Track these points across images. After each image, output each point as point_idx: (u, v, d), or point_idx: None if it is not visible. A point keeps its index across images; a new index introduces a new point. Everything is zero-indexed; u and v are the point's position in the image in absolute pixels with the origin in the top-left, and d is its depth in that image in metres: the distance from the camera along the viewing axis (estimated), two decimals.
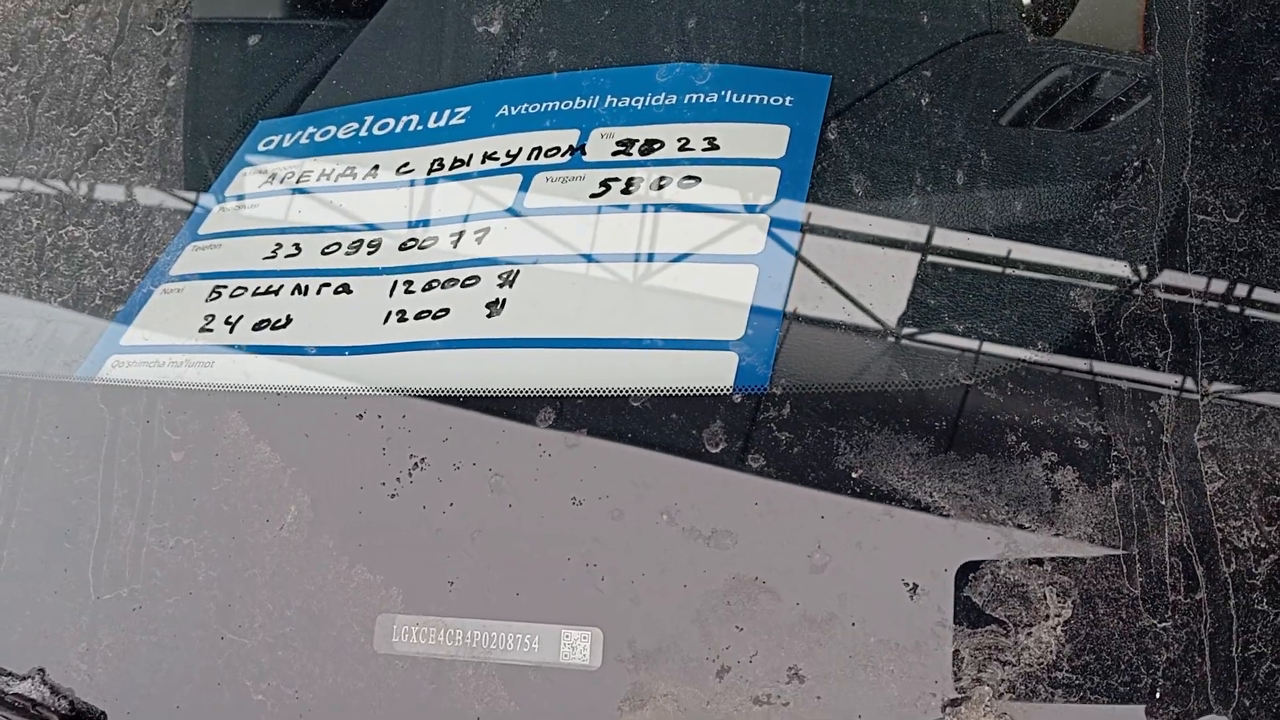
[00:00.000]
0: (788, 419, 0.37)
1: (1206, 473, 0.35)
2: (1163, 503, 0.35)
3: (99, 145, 0.53)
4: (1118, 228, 0.40)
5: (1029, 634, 0.35)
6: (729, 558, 0.37)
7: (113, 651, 0.41)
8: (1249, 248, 0.38)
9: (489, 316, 0.42)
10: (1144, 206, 0.40)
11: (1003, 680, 0.34)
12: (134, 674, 0.41)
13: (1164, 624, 0.34)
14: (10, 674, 0.41)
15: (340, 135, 0.51)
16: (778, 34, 0.47)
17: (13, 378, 0.47)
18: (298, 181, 0.50)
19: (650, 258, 0.42)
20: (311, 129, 0.52)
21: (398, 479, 0.40)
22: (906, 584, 0.35)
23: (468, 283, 0.43)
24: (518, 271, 0.43)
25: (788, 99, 0.46)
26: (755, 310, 0.40)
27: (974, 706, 0.34)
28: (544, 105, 0.48)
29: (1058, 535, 0.35)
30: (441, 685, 0.38)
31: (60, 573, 0.43)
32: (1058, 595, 0.35)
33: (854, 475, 0.37)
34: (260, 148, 0.53)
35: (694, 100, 0.47)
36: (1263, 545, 0.35)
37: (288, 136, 0.52)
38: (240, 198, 0.50)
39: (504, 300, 0.42)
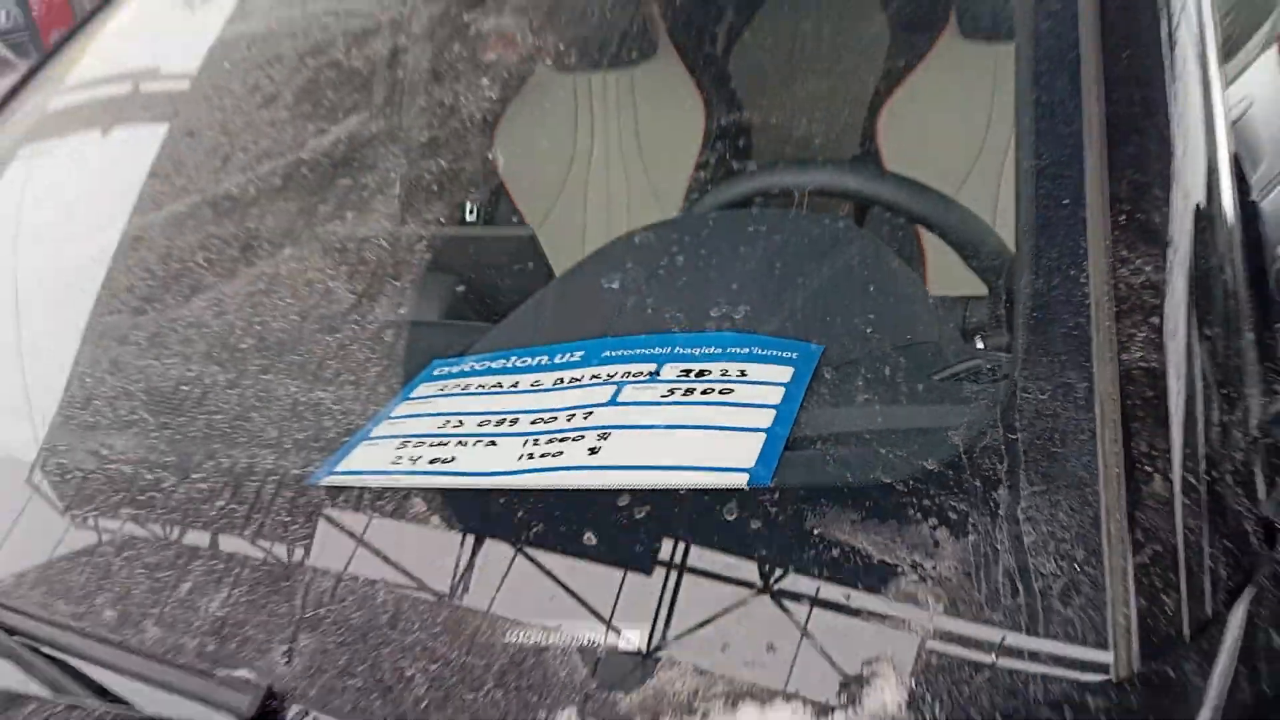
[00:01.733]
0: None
1: None
2: None
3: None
4: None
5: None
6: None
7: None
8: None
9: (590, 455, 0.64)
10: None
11: None
12: None
13: None
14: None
15: (492, 365, 0.77)
16: (788, 311, 0.74)
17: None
18: (463, 389, 0.75)
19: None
20: (473, 364, 0.78)
21: None
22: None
23: (576, 439, 0.66)
24: (610, 433, 0.66)
25: (794, 354, 0.71)
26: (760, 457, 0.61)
27: None
28: (634, 350, 0.74)
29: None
30: None
31: None
32: None
33: None
34: (435, 374, 0.78)
35: (732, 351, 0.72)
36: None
37: (455, 368, 0.78)
38: (424, 398, 0.75)
39: (599, 448, 0.64)
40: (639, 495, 0.60)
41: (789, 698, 0.49)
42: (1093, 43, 0.67)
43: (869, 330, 0.72)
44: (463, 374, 0.77)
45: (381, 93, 1.38)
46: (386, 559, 0.61)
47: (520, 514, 0.61)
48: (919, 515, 0.54)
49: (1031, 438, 0.55)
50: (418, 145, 1.30)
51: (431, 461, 0.67)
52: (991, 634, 0.48)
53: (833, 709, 0.48)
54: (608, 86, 1.71)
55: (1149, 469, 0.52)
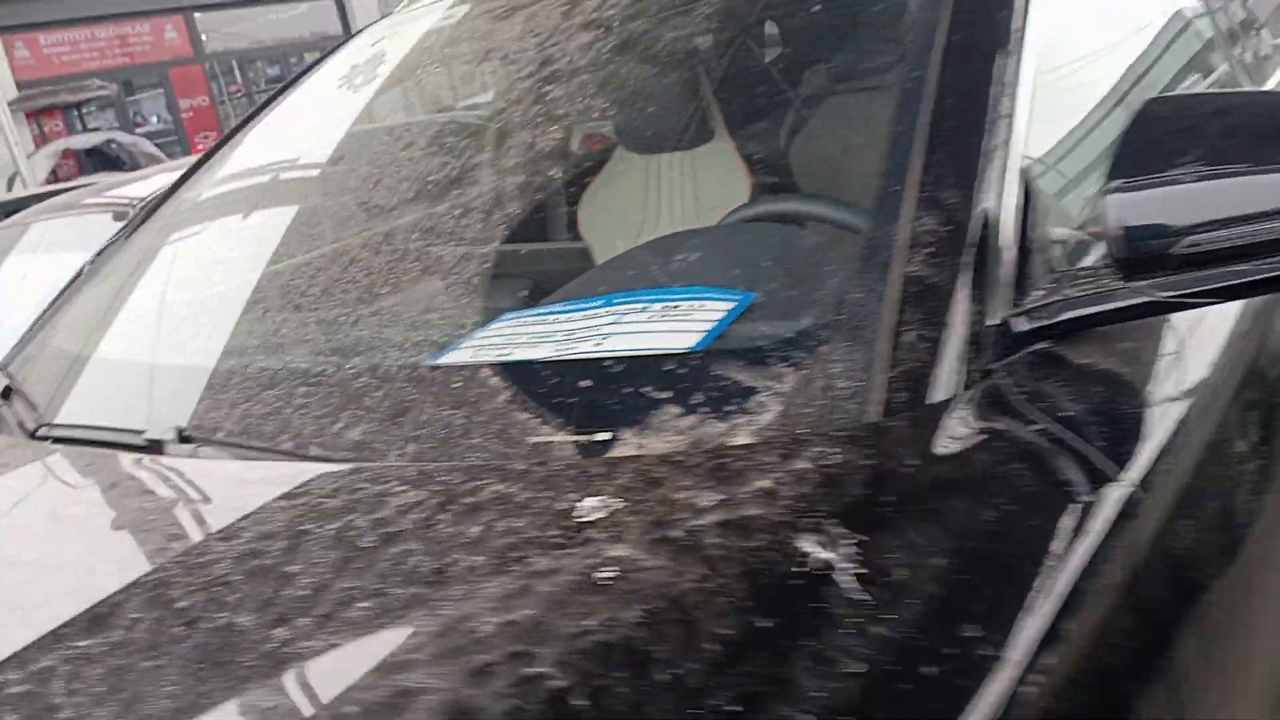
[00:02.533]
0: None
1: None
2: None
3: None
4: None
5: None
6: None
7: None
8: None
9: (595, 345, 1.01)
10: None
11: None
12: None
13: None
14: None
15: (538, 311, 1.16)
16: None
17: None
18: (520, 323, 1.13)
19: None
20: (528, 313, 1.17)
21: None
22: None
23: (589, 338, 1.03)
24: (609, 336, 1.03)
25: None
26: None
27: None
28: (633, 298, 1.11)
29: None
30: None
31: None
32: None
33: None
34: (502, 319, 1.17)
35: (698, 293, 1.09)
36: None
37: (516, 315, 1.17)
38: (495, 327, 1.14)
39: (602, 342, 1.01)
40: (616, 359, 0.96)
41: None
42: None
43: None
44: (520, 317, 1.16)
45: (488, 171, 1.81)
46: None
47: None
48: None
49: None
50: (515, 209, 1.73)
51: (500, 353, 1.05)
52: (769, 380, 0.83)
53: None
54: (673, 165, 2.12)
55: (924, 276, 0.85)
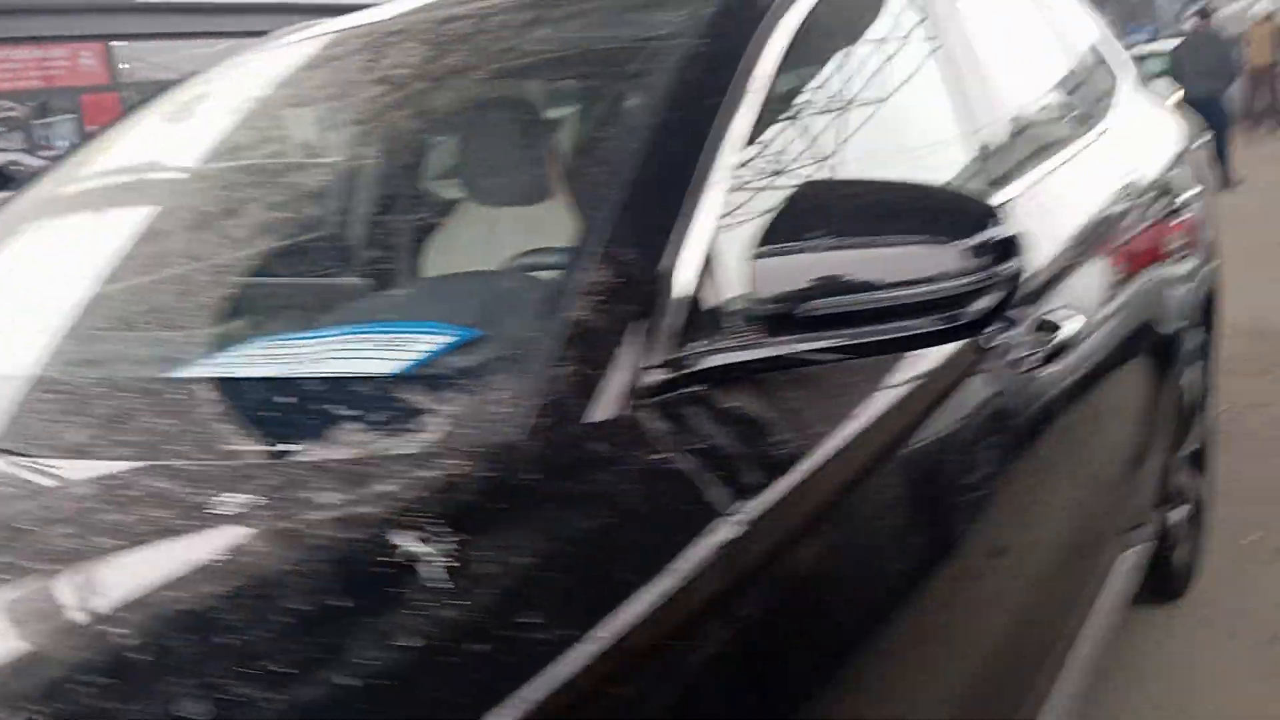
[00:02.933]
0: None
1: None
2: None
3: None
4: None
5: None
6: None
7: None
8: None
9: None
10: None
11: None
12: None
13: None
14: None
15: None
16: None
17: None
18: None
19: None
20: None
21: None
22: None
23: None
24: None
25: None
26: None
27: None
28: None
29: None
30: None
31: None
32: None
33: None
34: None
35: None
36: None
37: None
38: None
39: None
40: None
41: None
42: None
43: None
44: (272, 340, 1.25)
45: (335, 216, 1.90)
46: None
47: None
48: None
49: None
50: (362, 250, 1.82)
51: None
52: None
53: None
54: (516, 218, 2.24)
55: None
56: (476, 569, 0.77)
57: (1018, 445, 1.48)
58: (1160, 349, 2.30)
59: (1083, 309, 1.77)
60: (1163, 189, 2.46)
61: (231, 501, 0.83)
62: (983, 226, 1.00)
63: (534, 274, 1.38)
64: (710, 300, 1.08)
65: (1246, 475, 3.45)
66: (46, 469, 0.96)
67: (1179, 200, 2.52)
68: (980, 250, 0.98)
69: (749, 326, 1.03)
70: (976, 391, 1.39)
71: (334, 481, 0.86)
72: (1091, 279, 1.90)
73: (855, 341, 1.00)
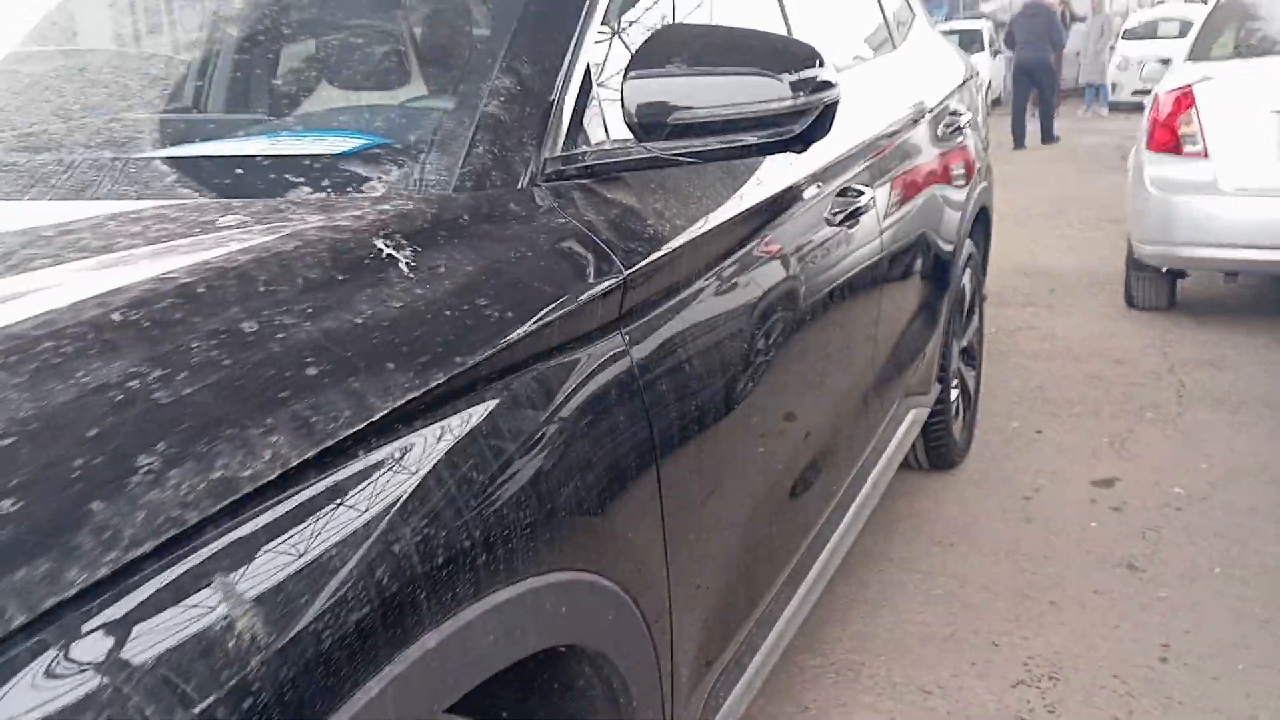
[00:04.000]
0: None
1: None
2: None
3: None
4: None
5: None
6: None
7: None
8: None
9: None
10: None
11: None
12: None
13: None
14: None
15: None
16: None
17: None
18: None
19: None
20: None
21: None
22: None
23: None
24: None
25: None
26: None
27: None
28: None
29: None
30: None
31: None
32: None
33: None
34: None
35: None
36: None
37: None
38: None
39: None
40: None
41: None
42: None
43: None
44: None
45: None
46: None
47: None
48: None
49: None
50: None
51: None
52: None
53: None
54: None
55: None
56: (427, 266, 1.01)
57: (825, 280, 1.82)
58: (940, 243, 2.72)
59: (878, 189, 2.15)
60: (947, 107, 2.89)
61: (235, 217, 1.04)
62: (809, 65, 1.30)
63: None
64: (592, 114, 1.35)
65: (1012, 382, 4.02)
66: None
67: (960, 119, 2.96)
68: (804, 83, 1.29)
69: (621, 136, 1.31)
70: (797, 226, 1.72)
71: (314, 211, 1.06)
72: (887, 167, 2.28)
73: (704, 149, 1.29)
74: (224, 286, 0.87)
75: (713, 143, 1.28)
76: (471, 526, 0.90)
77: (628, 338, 1.20)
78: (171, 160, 1.32)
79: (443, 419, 0.92)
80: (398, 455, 0.86)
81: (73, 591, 0.63)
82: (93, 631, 0.63)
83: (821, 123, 1.31)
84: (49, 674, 0.61)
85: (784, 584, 1.77)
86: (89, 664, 0.62)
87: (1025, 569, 2.63)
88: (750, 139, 1.29)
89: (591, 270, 1.17)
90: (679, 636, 1.29)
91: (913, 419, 2.61)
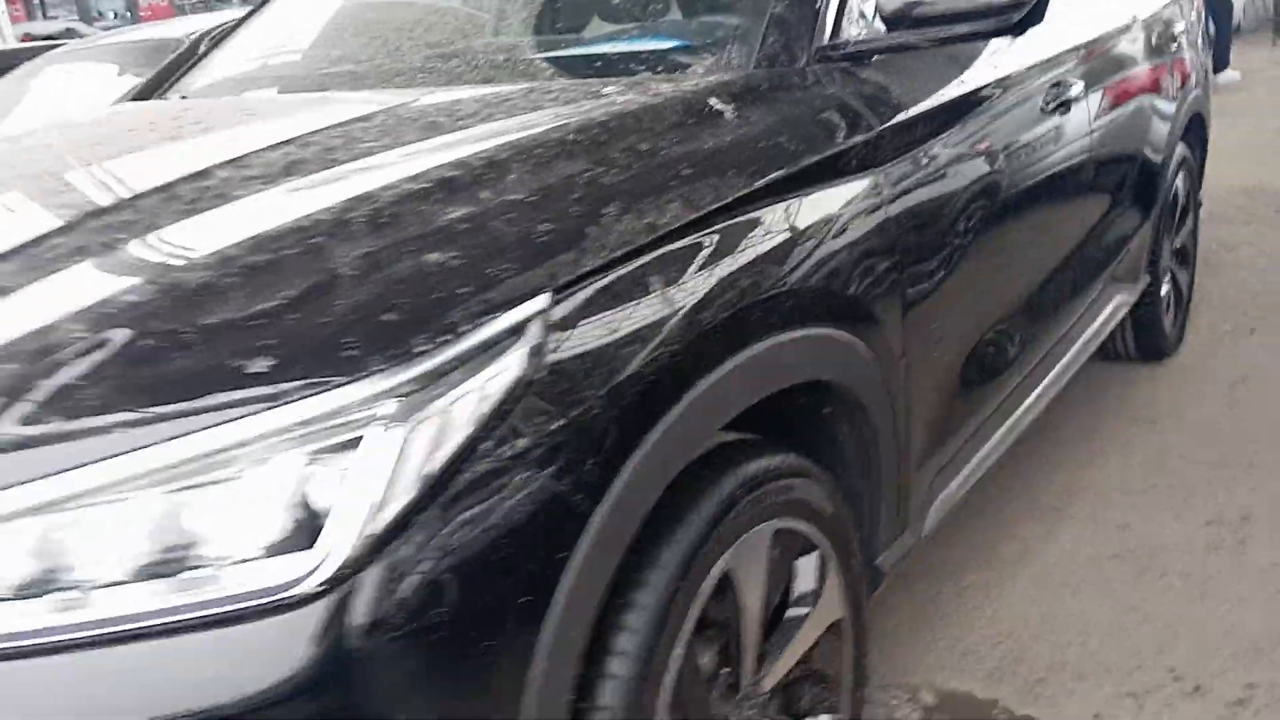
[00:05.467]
0: None
1: None
2: None
3: None
4: None
5: None
6: None
7: None
8: None
9: None
10: None
11: None
12: None
13: None
14: None
15: None
16: None
17: None
18: None
19: None
20: None
21: None
22: None
23: None
24: None
25: None
26: None
27: None
28: None
29: None
30: None
31: None
32: None
33: None
34: None
35: None
36: None
37: None
38: None
39: None
40: None
41: None
42: None
43: None
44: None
45: None
46: None
47: None
48: None
49: None
50: None
51: None
52: None
53: None
54: None
55: None
56: (744, 115, 1.46)
57: (1037, 159, 2.17)
58: (1151, 142, 2.97)
59: (1091, 86, 2.45)
60: (1160, 16, 3.11)
61: (614, 89, 1.53)
62: None
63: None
64: (852, 9, 1.76)
65: (1229, 292, 4.16)
66: None
67: (1174, 28, 3.17)
68: None
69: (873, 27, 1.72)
70: (1015, 109, 2.08)
71: (664, 84, 1.54)
72: (1100, 68, 2.57)
73: (939, 35, 1.68)
74: (624, 123, 1.37)
75: (946, 30, 1.68)
76: (780, 281, 1.35)
77: (880, 176, 1.62)
78: (555, 59, 1.83)
79: (757, 210, 1.38)
80: (733, 230, 1.33)
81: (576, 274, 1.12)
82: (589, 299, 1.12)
83: (1036, 11, 1.67)
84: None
85: (995, 412, 2.16)
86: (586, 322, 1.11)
87: (1225, 444, 2.88)
88: (976, 26, 1.67)
89: (853, 125, 1.60)
90: (914, 409, 1.70)
91: (1119, 301, 2.90)
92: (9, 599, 0.91)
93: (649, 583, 1.18)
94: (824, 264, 1.46)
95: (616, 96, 1.47)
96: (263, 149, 1.44)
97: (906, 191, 1.69)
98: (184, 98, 2.21)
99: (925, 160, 1.76)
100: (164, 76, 2.37)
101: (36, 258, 1.19)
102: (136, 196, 1.33)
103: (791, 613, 1.48)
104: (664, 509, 1.19)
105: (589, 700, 1.12)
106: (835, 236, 1.49)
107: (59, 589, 0.91)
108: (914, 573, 2.26)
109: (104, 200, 1.36)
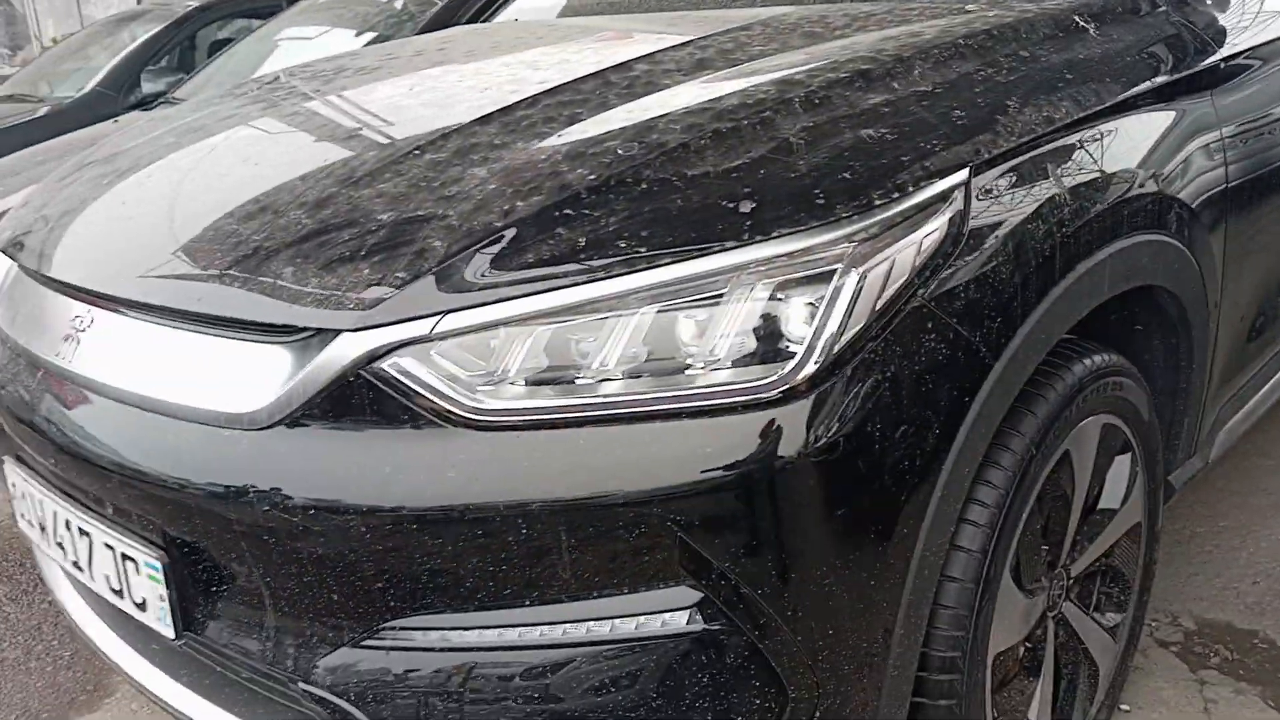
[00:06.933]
0: None
1: None
2: None
3: None
4: None
5: None
6: None
7: None
8: None
9: None
10: None
11: None
12: None
13: None
14: None
15: None
16: None
17: None
18: None
19: None
20: None
21: None
22: None
23: None
24: None
25: None
26: None
27: None
28: None
29: None
30: None
31: None
32: None
33: None
34: None
35: None
36: None
37: None
38: None
39: None
40: None
41: None
42: None
43: None
44: None
45: None
46: None
47: None
48: None
49: None
50: None
51: None
52: None
53: None
54: None
55: None
56: (1105, 34, 1.58)
57: None
58: None
59: None
60: None
61: (977, 5, 1.66)
62: None
63: None
64: None
65: None
66: None
67: None
68: None
69: None
70: None
71: (1029, 3, 1.67)
72: None
73: None
74: (1003, 33, 1.51)
75: None
76: (1141, 183, 1.48)
77: (1219, 98, 1.71)
78: None
79: (1126, 117, 1.51)
80: (1109, 132, 1.46)
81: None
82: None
83: None
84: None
85: None
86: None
87: None
88: None
89: (1199, 49, 1.70)
90: (1222, 331, 1.80)
91: None
92: (525, 385, 1.12)
93: (1012, 446, 1.33)
94: (1173, 172, 1.57)
95: (983, 12, 1.61)
96: (667, 49, 1.63)
97: (1239, 113, 1.76)
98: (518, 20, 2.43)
99: (1256, 86, 1.83)
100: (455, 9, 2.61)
101: (514, 123, 1.41)
102: (575, 80, 1.53)
103: (1104, 506, 1.62)
104: (1029, 384, 1.35)
105: (955, 544, 1.28)
106: (1181, 148, 1.60)
107: (568, 381, 1.13)
108: (1169, 511, 2.35)
109: (544, 84, 1.56)
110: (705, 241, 1.14)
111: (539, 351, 1.13)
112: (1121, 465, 1.63)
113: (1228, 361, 1.92)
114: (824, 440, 1.10)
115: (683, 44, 1.65)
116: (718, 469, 1.09)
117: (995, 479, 1.31)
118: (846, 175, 1.20)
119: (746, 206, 1.16)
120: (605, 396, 1.12)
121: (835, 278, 1.13)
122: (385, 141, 1.49)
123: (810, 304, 1.13)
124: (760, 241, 1.13)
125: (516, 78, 1.68)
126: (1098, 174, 1.41)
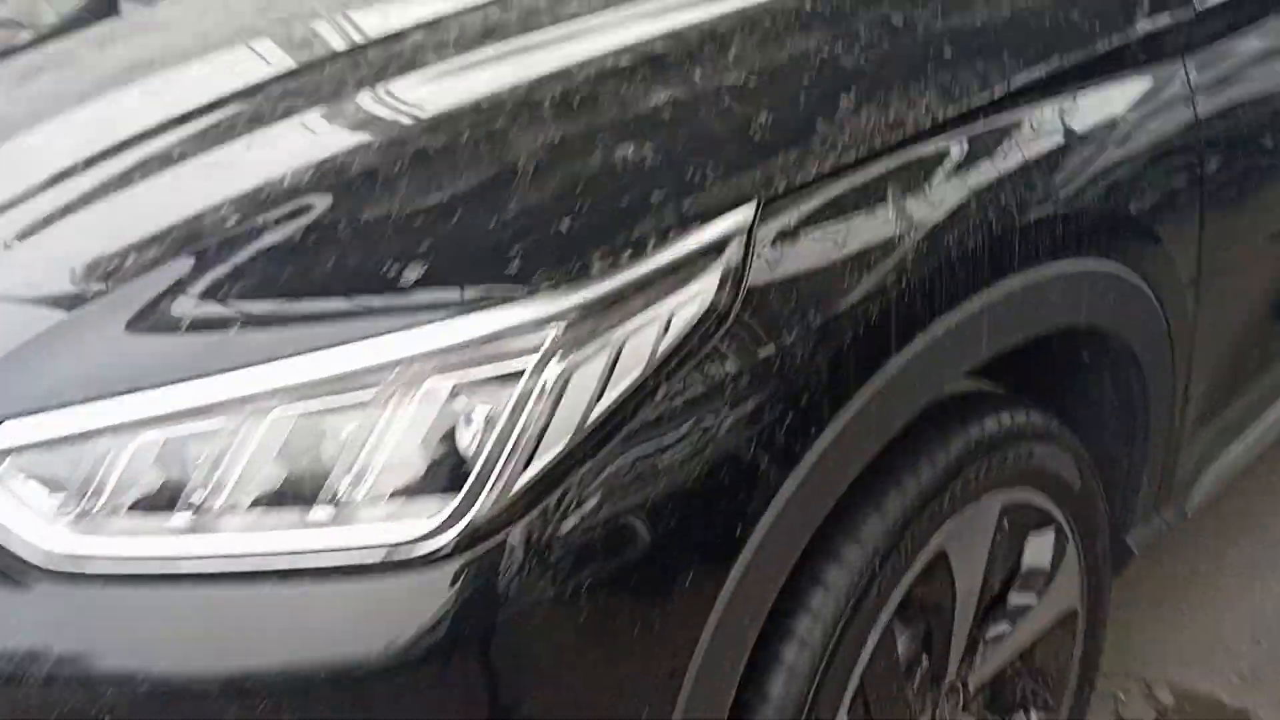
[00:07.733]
0: None
1: None
2: None
3: None
4: None
5: None
6: None
7: None
8: None
9: None
10: None
11: None
12: None
13: None
14: None
15: None
16: None
17: None
18: None
19: None
20: None
21: None
22: None
23: None
24: None
25: None
26: None
27: None
28: None
29: None
30: None
31: None
32: None
33: None
34: None
35: None
36: None
37: None
38: None
39: None
40: None
41: None
42: None
43: None
44: None
45: None
46: None
47: None
48: None
49: None
50: None
51: None
52: None
53: None
54: None
55: None
56: None
57: None
58: None
59: None
60: None
61: None
62: None
63: None
64: None
65: None
66: None
67: None
68: None
69: None
70: None
71: None
72: None
73: None
74: None
75: None
76: (1048, 198, 1.10)
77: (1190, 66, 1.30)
78: None
79: (1029, 106, 1.13)
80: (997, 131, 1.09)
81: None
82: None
83: None
84: None
85: None
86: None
87: None
88: None
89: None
90: (1197, 358, 1.40)
91: None
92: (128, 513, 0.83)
93: (844, 559, 1.01)
94: (1106, 176, 1.19)
95: None
96: (463, 11, 1.28)
97: (1220, 81, 1.35)
98: None
99: (1243, 43, 1.40)
100: None
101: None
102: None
103: (1015, 600, 1.28)
104: (871, 475, 1.02)
105: (754, 689, 0.98)
106: (1125, 141, 1.21)
107: (180, 510, 0.83)
108: (1165, 542, 1.98)
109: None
110: (353, 321, 0.83)
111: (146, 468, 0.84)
112: (1040, 545, 1.29)
113: (1215, 391, 1.54)
114: (470, 628, 0.79)
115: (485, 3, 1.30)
116: (338, 662, 0.79)
117: (818, 606, 1.00)
118: (564, 225, 0.86)
119: (413, 273, 0.84)
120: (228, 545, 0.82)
121: (524, 378, 0.81)
122: None
123: (488, 417, 0.81)
124: (425, 324, 0.82)
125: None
126: (972, 190, 1.04)
